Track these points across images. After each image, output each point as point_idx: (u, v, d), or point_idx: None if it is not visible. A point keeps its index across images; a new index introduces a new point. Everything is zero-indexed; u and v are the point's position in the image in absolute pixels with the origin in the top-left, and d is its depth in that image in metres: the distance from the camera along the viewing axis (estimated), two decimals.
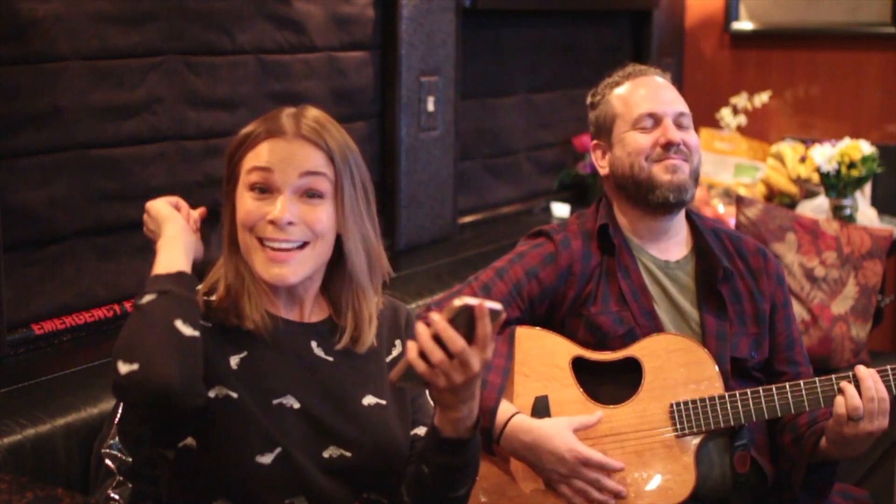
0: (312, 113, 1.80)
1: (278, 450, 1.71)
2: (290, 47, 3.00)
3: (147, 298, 1.63)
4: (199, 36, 2.74)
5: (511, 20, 3.94)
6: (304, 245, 1.73)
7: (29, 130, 2.38)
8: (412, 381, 1.60)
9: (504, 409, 2.18)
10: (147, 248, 2.65)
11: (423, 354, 1.56)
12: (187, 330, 1.60)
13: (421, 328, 1.56)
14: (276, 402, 1.74)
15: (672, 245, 2.39)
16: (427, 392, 1.90)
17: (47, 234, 2.45)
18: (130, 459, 1.90)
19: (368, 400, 1.81)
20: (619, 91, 2.41)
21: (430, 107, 3.42)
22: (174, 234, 1.75)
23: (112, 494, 1.88)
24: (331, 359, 1.80)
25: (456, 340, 1.53)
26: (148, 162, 2.64)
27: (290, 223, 1.71)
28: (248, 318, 1.73)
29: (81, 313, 2.51)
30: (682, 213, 2.41)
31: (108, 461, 1.92)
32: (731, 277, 2.35)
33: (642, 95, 2.38)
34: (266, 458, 1.70)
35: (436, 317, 1.54)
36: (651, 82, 2.41)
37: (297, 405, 1.75)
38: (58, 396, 2.11)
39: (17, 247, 2.39)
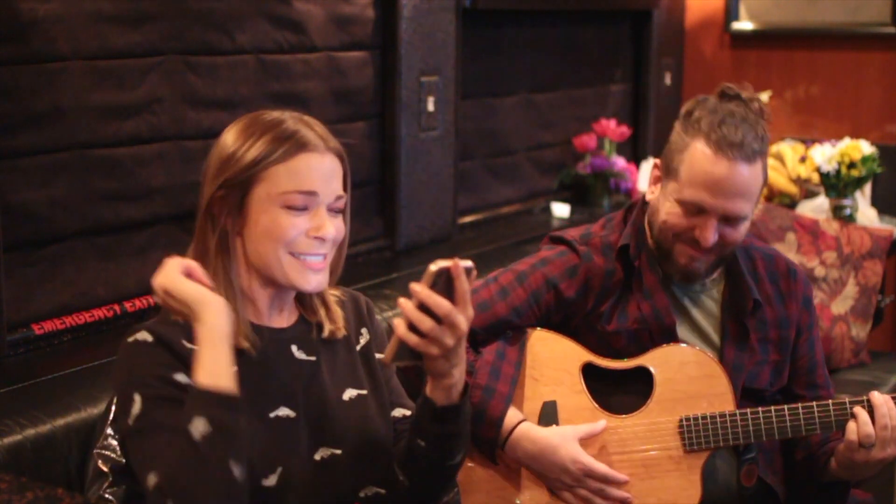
0: (316, 121, 1.81)
1: (280, 469, 1.71)
2: (290, 47, 3.00)
3: (202, 430, 1.54)
4: (199, 36, 2.74)
5: (511, 20, 3.94)
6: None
7: (29, 130, 2.38)
8: (405, 358, 1.64)
9: (510, 415, 2.17)
10: (147, 248, 2.68)
11: (411, 327, 1.60)
12: (237, 470, 1.56)
13: (404, 301, 1.60)
14: (272, 415, 1.74)
15: None
16: (396, 372, 1.95)
17: (47, 234, 2.45)
18: (123, 460, 1.89)
19: (349, 394, 1.83)
20: (697, 152, 2.14)
21: (430, 107, 3.42)
22: (219, 329, 1.62)
23: (105, 495, 1.88)
24: (312, 358, 1.81)
25: (442, 304, 1.59)
26: (148, 162, 2.64)
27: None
28: (239, 336, 1.72)
29: (81, 313, 2.51)
30: None
31: (100, 462, 1.92)
32: (760, 307, 2.27)
33: (707, 182, 2.13)
34: (271, 481, 1.70)
35: (416, 287, 1.59)
36: (726, 171, 2.12)
37: (292, 414, 1.76)
38: (58, 396, 2.11)
39: (17, 247, 2.39)
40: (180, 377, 1.66)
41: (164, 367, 1.67)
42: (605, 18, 4.46)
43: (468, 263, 1.61)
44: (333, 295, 1.90)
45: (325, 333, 1.84)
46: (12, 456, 1.95)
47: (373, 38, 3.28)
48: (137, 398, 1.64)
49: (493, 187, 3.99)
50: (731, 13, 4.84)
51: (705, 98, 2.22)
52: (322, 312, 1.85)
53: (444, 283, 1.60)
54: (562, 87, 4.26)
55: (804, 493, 2.27)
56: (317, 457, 1.76)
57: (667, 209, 2.19)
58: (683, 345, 2.24)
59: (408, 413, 1.90)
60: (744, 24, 4.85)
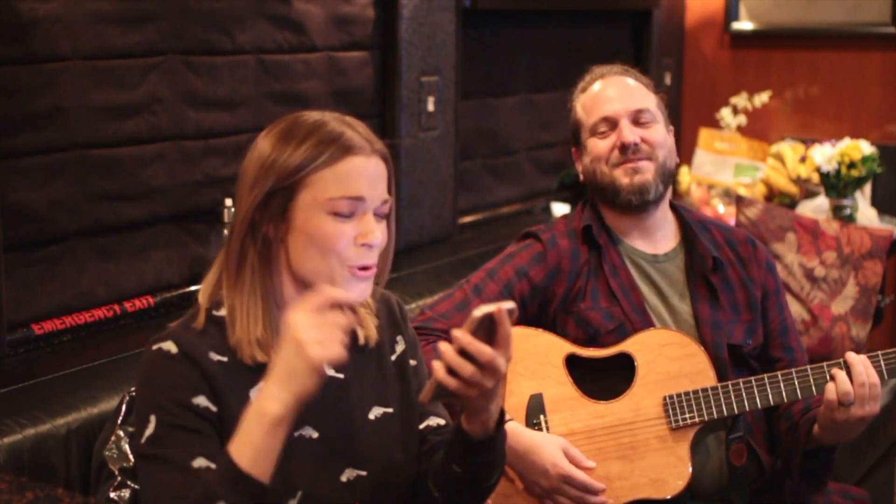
0: (359, 122, 1.74)
1: (300, 493, 1.68)
2: (290, 47, 3.00)
3: None
4: (199, 36, 2.74)
5: (511, 20, 3.94)
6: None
7: (29, 130, 2.38)
8: (442, 398, 1.62)
9: None
10: (147, 248, 2.68)
11: (450, 371, 1.56)
12: None
13: (444, 347, 1.56)
14: (296, 434, 1.69)
15: (659, 238, 2.40)
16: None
17: (47, 234, 2.45)
18: (132, 462, 1.89)
19: (375, 412, 1.78)
20: (583, 98, 2.42)
21: (430, 107, 3.42)
22: (287, 410, 1.52)
23: (113, 496, 1.88)
24: (341, 375, 1.76)
25: (483, 351, 1.55)
26: (148, 162, 2.64)
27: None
28: (272, 352, 1.64)
29: (81, 313, 2.51)
30: (666, 207, 2.42)
31: (109, 463, 1.92)
32: (722, 266, 2.37)
33: (599, 99, 2.37)
34: None
35: (458, 333, 1.55)
36: (609, 84, 2.40)
37: (315, 434, 1.72)
38: (58, 396, 2.11)
39: (17, 247, 2.39)
40: (200, 400, 1.63)
41: (184, 390, 1.63)
42: (605, 18, 4.46)
43: (511, 305, 1.57)
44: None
45: (361, 341, 1.78)
46: (12, 456, 1.95)
47: (373, 38, 3.28)
48: (153, 420, 1.62)
49: (493, 187, 3.99)
50: (731, 13, 4.84)
51: None
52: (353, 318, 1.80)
53: (487, 328, 1.56)
54: (562, 87, 4.24)
55: (789, 464, 2.31)
56: (343, 478, 1.73)
57: (590, 153, 2.37)
58: (662, 328, 2.30)
59: (441, 422, 1.86)
60: (744, 24, 4.85)
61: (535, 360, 2.29)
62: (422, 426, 1.85)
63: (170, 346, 1.65)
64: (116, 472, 1.90)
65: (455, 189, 3.60)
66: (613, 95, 2.37)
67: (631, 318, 2.30)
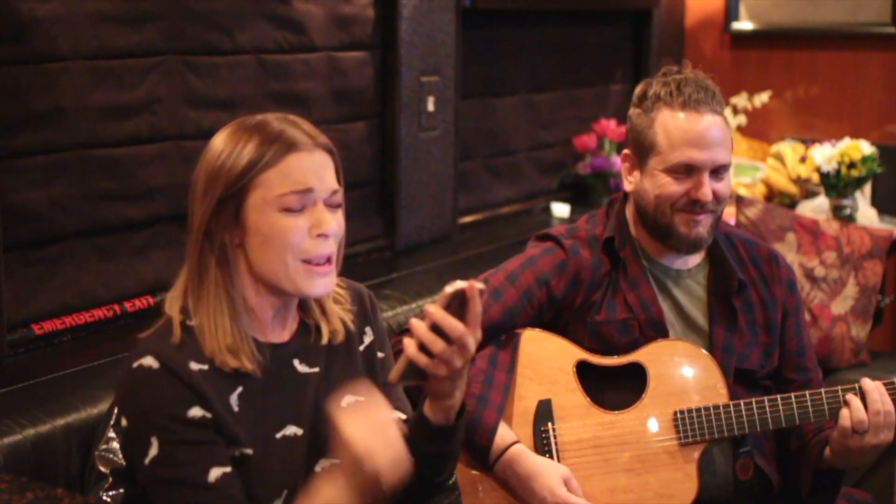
0: (301, 119, 1.76)
1: (285, 492, 1.70)
2: (290, 47, 3.00)
3: None
4: (199, 36, 2.74)
5: (511, 20, 3.94)
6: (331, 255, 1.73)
7: (29, 130, 2.38)
8: (412, 378, 1.63)
9: (504, 435, 2.17)
10: (147, 248, 2.68)
11: (422, 348, 1.59)
12: None
13: (416, 322, 1.59)
14: (279, 435, 1.72)
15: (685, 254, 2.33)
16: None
17: (47, 234, 2.45)
18: (124, 463, 1.89)
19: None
20: (668, 118, 2.24)
21: (430, 107, 3.42)
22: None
23: (105, 497, 1.88)
24: (316, 369, 1.78)
25: (456, 326, 1.58)
26: (148, 162, 2.64)
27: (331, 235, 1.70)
28: (244, 357, 1.68)
29: (81, 313, 2.51)
30: None
31: (100, 464, 1.92)
32: (745, 288, 2.31)
33: (688, 139, 2.21)
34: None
35: (432, 308, 1.57)
36: (703, 123, 2.22)
37: (299, 432, 1.74)
38: (58, 396, 2.11)
39: (17, 247, 2.39)
40: (194, 412, 1.63)
41: (176, 405, 1.63)
42: (605, 18, 4.46)
43: (481, 285, 1.60)
44: (336, 290, 1.84)
45: (324, 340, 1.80)
46: (12, 456, 1.95)
47: (373, 38, 3.27)
48: (154, 442, 1.62)
49: (493, 187, 3.99)
50: (731, 13, 4.84)
51: (651, 79, 2.33)
52: (318, 314, 1.81)
53: (458, 305, 1.59)
54: (562, 87, 4.26)
55: (798, 483, 2.28)
56: (317, 468, 1.75)
57: (657, 184, 2.24)
58: (675, 340, 2.26)
59: (403, 416, 1.88)
60: (744, 24, 4.85)
61: (546, 364, 2.26)
62: None
63: (150, 362, 1.65)
64: (108, 474, 1.90)
65: (455, 189, 3.59)
66: (705, 142, 2.21)
67: (646, 334, 2.26)
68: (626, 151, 2.34)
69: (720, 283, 2.31)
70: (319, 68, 3.10)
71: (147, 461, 1.63)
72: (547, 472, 2.12)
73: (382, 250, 3.38)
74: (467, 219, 3.81)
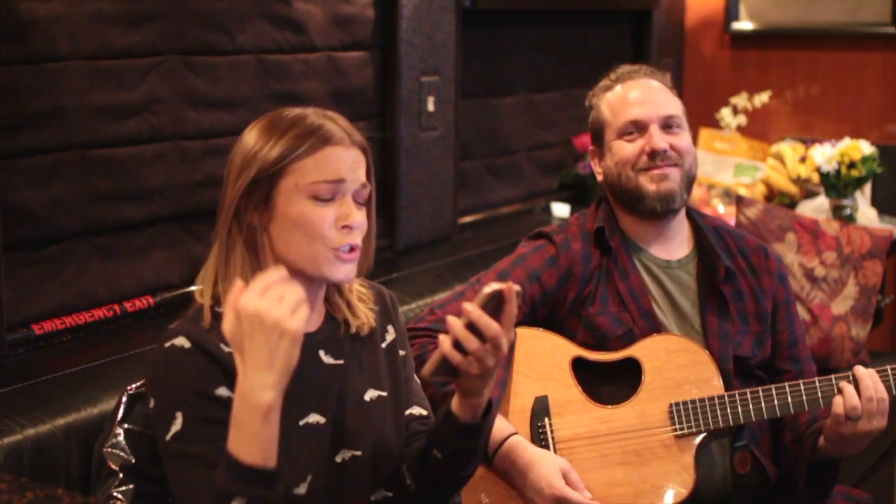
0: (339, 115, 1.81)
1: (309, 477, 1.72)
2: (290, 47, 3.00)
3: None
4: (199, 36, 2.74)
5: (511, 20, 3.94)
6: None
7: (29, 130, 2.38)
8: (444, 374, 1.66)
9: (502, 427, 2.18)
10: (147, 248, 2.68)
11: (456, 345, 1.62)
12: None
13: (453, 320, 1.62)
14: (302, 422, 1.75)
15: (674, 245, 2.39)
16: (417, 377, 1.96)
17: (47, 234, 2.45)
18: (133, 459, 1.89)
19: (370, 394, 1.84)
20: (608, 96, 2.39)
21: (430, 107, 3.42)
22: (278, 394, 1.50)
23: (115, 494, 1.88)
24: (340, 361, 1.82)
25: (491, 326, 1.61)
26: (148, 162, 2.64)
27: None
28: None
29: (81, 313, 2.51)
30: (682, 213, 2.40)
31: (110, 461, 1.92)
32: (734, 277, 2.34)
33: (628, 101, 2.35)
34: (301, 489, 1.72)
35: (469, 306, 1.61)
36: (638, 86, 2.37)
37: (322, 420, 1.76)
38: (58, 396, 2.11)
39: (17, 247, 2.39)
40: (222, 391, 1.65)
41: (205, 382, 1.65)
42: (605, 18, 4.46)
43: (518, 287, 1.64)
44: (359, 289, 1.89)
45: (353, 330, 1.84)
46: (12, 456, 1.95)
47: (373, 38, 3.27)
48: (179, 417, 1.63)
49: (493, 187, 3.99)
50: (731, 13, 4.84)
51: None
52: (345, 309, 1.85)
53: (494, 305, 1.62)
54: (562, 87, 4.26)
55: (794, 474, 2.29)
56: (338, 458, 1.77)
57: (614, 153, 2.34)
58: (670, 334, 2.29)
59: (423, 413, 1.91)
60: (744, 24, 4.85)
61: (542, 361, 2.27)
62: (405, 413, 1.90)
63: (182, 342, 1.68)
64: (118, 470, 1.90)
65: (455, 189, 3.60)
66: (643, 99, 2.35)
67: (639, 324, 2.29)
68: (591, 147, 2.45)
69: (709, 273, 2.34)
70: (319, 68, 3.10)
71: (169, 436, 1.64)
72: (545, 464, 2.13)
73: (382, 250, 3.38)
74: (467, 219, 3.81)
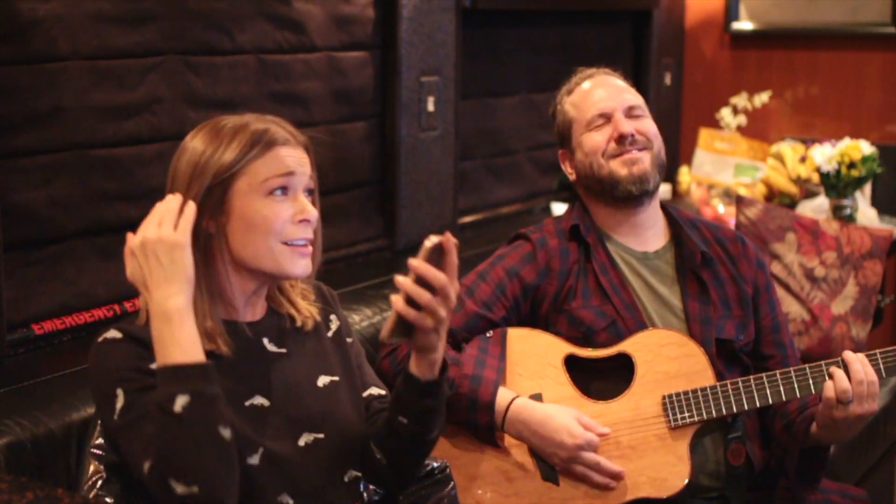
0: (281, 119, 1.88)
1: (261, 449, 1.77)
2: (290, 47, 3.00)
3: (181, 402, 1.59)
4: (199, 36, 2.74)
5: (511, 20, 3.94)
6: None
7: (29, 130, 2.38)
8: (401, 334, 1.72)
9: (502, 395, 2.21)
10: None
11: (409, 301, 1.69)
12: (227, 433, 1.63)
13: (401, 278, 1.69)
14: (248, 403, 1.80)
15: (650, 237, 2.42)
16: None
17: (47, 234, 2.45)
18: (118, 457, 1.89)
19: (322, 380, 1.90)
20: (572, 97, 2.48)
21: (430, 107, 3.42)
22: (184, 298, 1.66)
23: (101, 493, 1.88)
24: (284, 350, 1.88)
25: (438, 276, 1.69)
26: (148, 162, 2.64)
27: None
28: (220, 341, 1.78)
29: (81, 313, 2.51)
30: (657, 205, 2.44)
31: (94, 460, 1.92)
32: (711, 262, 2.39)
33: (592, 96, 2.44)
34: (254, 460, 1.76)
35: (415, 262, 1.68)
36: (599, 82, 2.47)
37: (266, 403, 1.82)
38: (58, 396, 2.11)
39: (17, 247, 2.39)
40: (155, 367, 1.69)
41: (139, 359, 1.71)
42: (605, 18, 4.46)
43: (455, 240, 1.72)
44: (302, 287, 1.97)
45: (298, 323, 1.91)
46: (12, 456, 1.95)
47: (373, 38, 3.28)
48: (120, 393, 1.69)
49: (493, 187, 3.99)
50: (731, 13, 4.84)
51: None
52: (287, 305, 1.92)
53: (437, 258, 1.69)
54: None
55: (785, 462, 2.32)
56: (301, 442, 1.83)
57: (584, 147, 2.40)
58: (660, 328, 2.31)
59: (382, 392, 1.99)
60: (744, 24, 4.85)
61: (535, 360, 2.29)
62: (364, 394, 1.97)
63: (114, 334, 1.75)
64: (103, 468, 1.90)
65: (455, 189, 3.60)
66: (605, 93, 2.43)
67: (623, 316, 2.32)
68: (560, 152, 2.50)
69: (686, 260, 2.38)
70: (319, 68, 3.10)
71: (116, 415, 1.68)
72: (559, 416, 2.18)
73: (382, 250, 3.38)
74: (467, 219, 3.81)
